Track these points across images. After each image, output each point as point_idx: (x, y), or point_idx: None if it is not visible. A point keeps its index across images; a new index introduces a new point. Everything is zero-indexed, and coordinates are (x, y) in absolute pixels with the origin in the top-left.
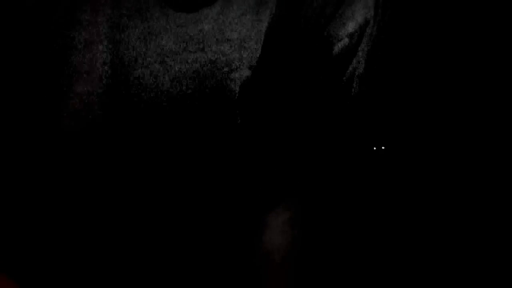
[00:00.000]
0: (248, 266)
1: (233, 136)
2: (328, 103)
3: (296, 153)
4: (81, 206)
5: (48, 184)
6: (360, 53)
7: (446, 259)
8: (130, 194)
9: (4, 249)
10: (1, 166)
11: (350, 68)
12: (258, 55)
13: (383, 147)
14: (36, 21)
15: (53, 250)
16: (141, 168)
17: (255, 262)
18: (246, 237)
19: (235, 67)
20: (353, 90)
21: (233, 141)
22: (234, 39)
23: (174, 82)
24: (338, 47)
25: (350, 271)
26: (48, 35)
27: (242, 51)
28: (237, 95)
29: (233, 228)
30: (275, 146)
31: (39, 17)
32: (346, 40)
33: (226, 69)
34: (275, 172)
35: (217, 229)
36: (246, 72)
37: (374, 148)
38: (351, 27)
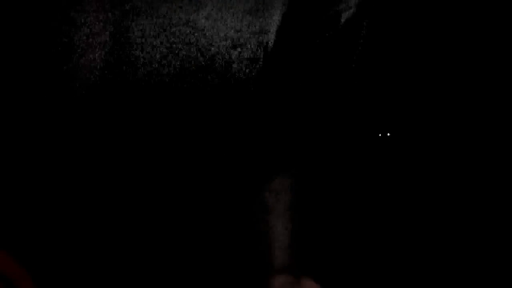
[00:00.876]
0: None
1: (231, 115)
2: (333, 80)
3: (297, 131)
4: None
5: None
6: (365, 25)
7: (442, 253)
8: (125, 171)
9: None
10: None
11: (358, 40)
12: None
13: (388, 133)
14: None
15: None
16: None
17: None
18: (242, 216)
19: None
20: (358, 63)
21: (229, 120)
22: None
23: (169, 58)
24: (346, 15)
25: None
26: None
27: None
28: (240, 71)
29: (229, 206)
30: (276, 123)
31: None
32: (354, 9)
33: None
34: (269, 150)
35: (211, 208)
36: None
37: (380, 135)
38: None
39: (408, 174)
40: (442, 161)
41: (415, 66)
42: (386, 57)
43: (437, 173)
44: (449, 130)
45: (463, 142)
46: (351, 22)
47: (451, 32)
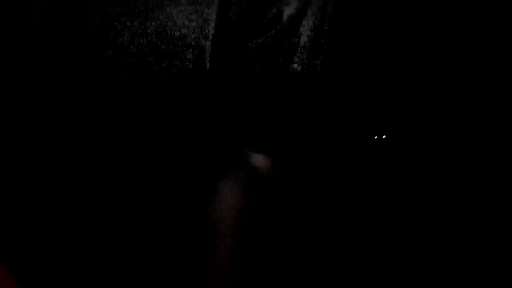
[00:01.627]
0: (201, 235)
1: (188, 102)
2: (277, 72)
3: (249, 119)
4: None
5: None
6: (308, 18)
7: (438, 254)
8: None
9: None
10: None
11: (300, 33)
12: (212, 23)
13: (383, 136)
14: None
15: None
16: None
17: (206, 230)
18: (199, 205)
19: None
20: (301, 58)
21: (188, 106)
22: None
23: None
24: (288, 11)
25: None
26: None
27: (195, 21)
28: (190, 64)
29: (186, 195)
30: (228, 112)
31: None
32: (296, 2)
33: (179, 37)
34: (226, 138)
35: (170, 197)
36: (202, 41)
37: (375, 137)
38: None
39: (398, 178)
40: (435, 164)
41: (361, 65)
42: (329, 55)
43: (430, 175)
44: (433, 131)
45: (452, 144)
46: (292, 18)
47: (390, 28)
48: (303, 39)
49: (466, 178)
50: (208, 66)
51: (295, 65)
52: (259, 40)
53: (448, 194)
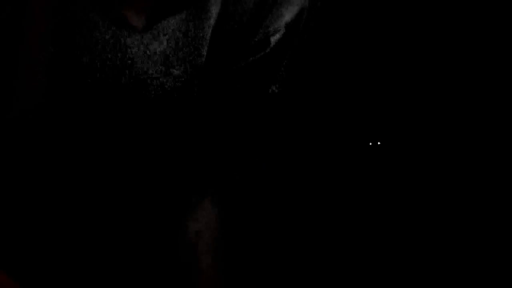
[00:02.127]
0: (181, 246)
1: (170, 124)
2: (263, 95)
3: (228, 138)
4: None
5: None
6: (295, 43)
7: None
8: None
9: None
10: None
11: (283, 58)
12: (200, 54)
13: (378, 143)
14: None
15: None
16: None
17: (186, 241)
18: (178, 218)
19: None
20: (280, 81)
21: (171, 128)
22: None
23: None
24: (275, 38)
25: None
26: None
27: (179, 52)
28: (174, 92)
29: (166, 209)
30: (210, 132)
31: None
32: (283, 30)
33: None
34: (203, 157)
35: (151, 211)
36: (187, 68)
37: (370, 143)
38: (288, 16)
39: (394, 181)
40: (432, 166)
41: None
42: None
43: (427, 177)
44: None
45: (449, 145)
46: (279, 45)
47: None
48: (284, 64)
49: (465, 179)
50: (196, 82)
51: (274, 87)
52: (246, 62)
53: (446, 195)
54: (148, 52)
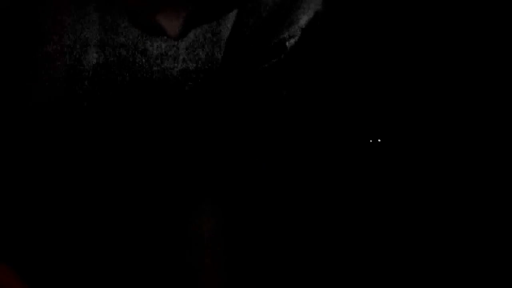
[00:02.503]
0: (186, 249)
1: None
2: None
3: (234, 146)
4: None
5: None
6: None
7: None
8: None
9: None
10: None
11: (297, 62)
12: (216, 61)
13: (379, 140)
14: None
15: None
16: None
17: (191, 245)
18: (183, 222)
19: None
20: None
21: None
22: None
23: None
24: (291, 43)
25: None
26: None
27: (196, 56)
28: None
29: (172, 213)
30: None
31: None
32: (299, 35)
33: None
34: (207, 165)
35: (157, 215)
36: (204, 72)
37: (371, 141)
38: (303, 21)
39: (394, 182)
40: (433, 165)
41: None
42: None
43: (428, 177)
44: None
45: (449, 145)
46: (294, 49)
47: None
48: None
49: (465, 179)
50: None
51: (285, 91)
52: (261, 67)
53: (446, 195)
54: (169, 53)
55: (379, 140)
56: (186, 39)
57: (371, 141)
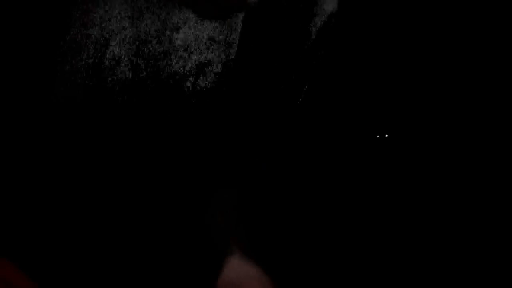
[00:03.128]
0: (202, 241)
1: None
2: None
3: (252, 144)
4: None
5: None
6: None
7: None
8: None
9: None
10: None
11: (317, 60)
12: (231, 54)
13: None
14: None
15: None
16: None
17: (207, 239)
18: (198, 215)
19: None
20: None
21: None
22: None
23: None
24: (307, 43)
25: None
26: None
27: (210, 54)
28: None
29: (186, 207)
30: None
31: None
32: (314, 36)
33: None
34: (220, 160)
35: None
36: (218, 68)
37: (378, 136)
38: (318, 20)
39: (398, 178)
40: (435, 163)
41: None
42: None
43: (430, 175)
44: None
45: (451, 144)
46: (308, 51)
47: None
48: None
49: (465, 178)
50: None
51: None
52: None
53: (447, 194)
54: (184, 51)
55: (386, 136)
56: (205, 30)
57: (378, 136)
